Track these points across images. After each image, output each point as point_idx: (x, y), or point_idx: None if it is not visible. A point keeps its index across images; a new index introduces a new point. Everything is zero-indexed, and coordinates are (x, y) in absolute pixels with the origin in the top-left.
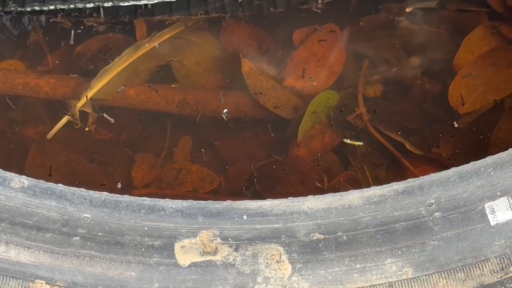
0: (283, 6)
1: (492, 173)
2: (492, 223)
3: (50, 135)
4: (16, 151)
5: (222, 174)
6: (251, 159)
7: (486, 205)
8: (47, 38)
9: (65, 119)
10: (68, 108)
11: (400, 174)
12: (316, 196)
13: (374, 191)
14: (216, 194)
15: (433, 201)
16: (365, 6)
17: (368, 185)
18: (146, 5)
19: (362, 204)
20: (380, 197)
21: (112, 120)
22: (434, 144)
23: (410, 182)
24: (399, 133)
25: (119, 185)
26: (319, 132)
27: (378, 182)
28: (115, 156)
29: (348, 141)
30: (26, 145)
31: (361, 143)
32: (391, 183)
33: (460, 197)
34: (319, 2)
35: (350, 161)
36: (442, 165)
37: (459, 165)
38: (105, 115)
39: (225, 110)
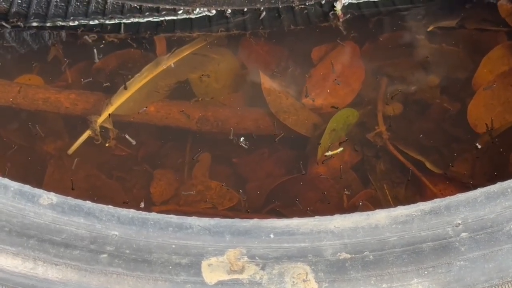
0: (303, 24)
1: None
2: None
3: (71, 150)
4: (35, 166)
5: (241, 191)
6: (270, 176)
7: None
8: (66, 54)
9: (86, 135)
10: (89, 124)
11: (419, 192)
12: (343, 215)
13: (401, 211)
14: (235, 211)
15: (460, 222)
16: (385, 24)
17: (387, 204)
18: (167, 21)
19: (389, 223)
20: (407, 217)
21: (134, 142)
22: (453, 162)
23: (437, 202)
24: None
25: (142, 205)
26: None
27: (398, 200)
28: (134, 172)
29: (329, 153)
30: (44, 160)
31: (341, 149)
32: (418, 203)
33: (487, 217)
34: (339, 19)
35: (370, 179)
36: (462, 184)
37: (478, 184)
38: (127, 136)
39: (242, 138)
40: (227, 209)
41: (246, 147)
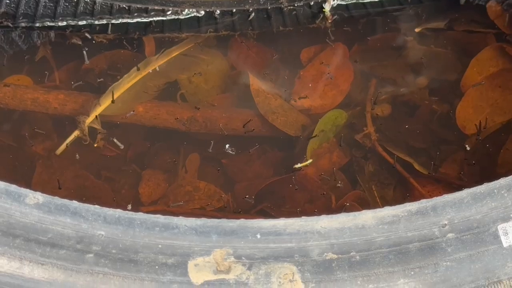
0: (292, 25)
1: (506, 194)
2: (505, 244)
3: (59, 151)
4: (23, 167)
5: (230, 192)
6: (258, 177)
7: (499, 227)
8: (55, 54)
9: (74, 135)
10: (77, 124)
11: (407, 193)
12: (330, 216)
13: (388, 211)
14: (224, 212)
15: (446, 222)
16: (374, 26)
17: (375, 205)
18: (156, 22)
19: (375, 224)
20: (393, 218)
21: (122, 146)
22: (441, 164)
23: (423, 203)
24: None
25: (129, 207)
26: (327, 150)
27: (386, 201)
28: (123, 173)
29: (298, 165)
30: (33, 160)
31: (310, 160)
32: (405, 204)
33: (474, 218)
34: (328, 21)
35: (358, 180)
36: (450, 185)
37: (466, 185)
38: (115, 140)
39: (227, 145)
40: (215, 210)
41: (233, 153)
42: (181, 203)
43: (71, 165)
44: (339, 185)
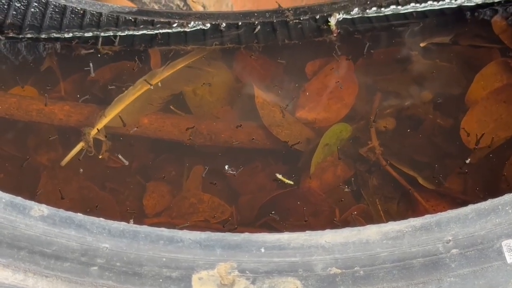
0: (298, 38)
1: (510, 211)
2: (509, 261)
3: (64, 162)
4: (28, 177)
5: (234, 204)
6: (262, 190)
7: (503, 243)
8: (61, 65)
9: (79, 147)
10: (82, 136)
11: (411, 208)
12: (334, 230)
13: (392, 227)
14: (228, 224)
15: (450, 238)
16: (379, 39)
17: (379, 219)
18: (162, 34)
19: (379, 239)
20: (397, 233)
21: (127, 162)
22: (445, 178)
23: (427, 218)
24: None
25: (131, 222)
26: (331, 164)
27: (389, 215)
28: (127, 184)
29: (280, 176)
30: (38, 171)
31: (291, 183)
32: (409, 219)
33: (478, 234)
34: (334, 34)
35: (362, 194)
36: (453, 200)
37: (470, 200)
38: (120, 156)
39: (226, 166)
40: (219, 223)
41: (234, 173)
42: (187, 224)
43: (75, 176)
44: (347, 190)
